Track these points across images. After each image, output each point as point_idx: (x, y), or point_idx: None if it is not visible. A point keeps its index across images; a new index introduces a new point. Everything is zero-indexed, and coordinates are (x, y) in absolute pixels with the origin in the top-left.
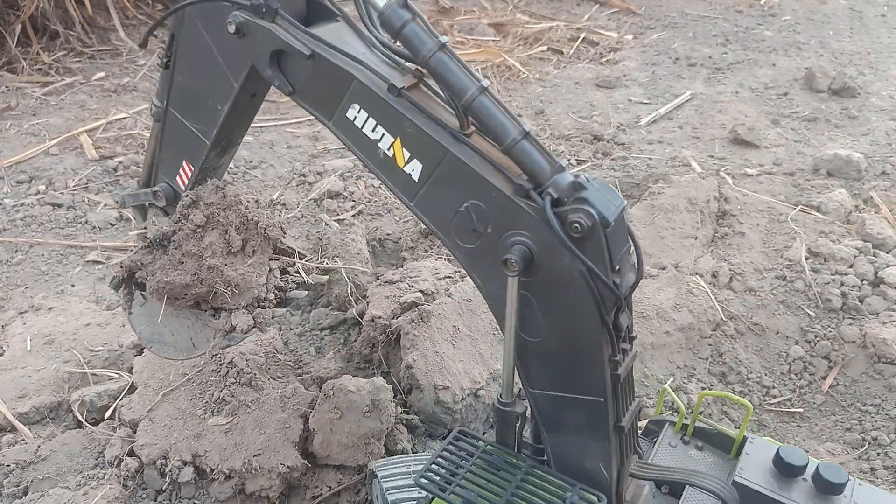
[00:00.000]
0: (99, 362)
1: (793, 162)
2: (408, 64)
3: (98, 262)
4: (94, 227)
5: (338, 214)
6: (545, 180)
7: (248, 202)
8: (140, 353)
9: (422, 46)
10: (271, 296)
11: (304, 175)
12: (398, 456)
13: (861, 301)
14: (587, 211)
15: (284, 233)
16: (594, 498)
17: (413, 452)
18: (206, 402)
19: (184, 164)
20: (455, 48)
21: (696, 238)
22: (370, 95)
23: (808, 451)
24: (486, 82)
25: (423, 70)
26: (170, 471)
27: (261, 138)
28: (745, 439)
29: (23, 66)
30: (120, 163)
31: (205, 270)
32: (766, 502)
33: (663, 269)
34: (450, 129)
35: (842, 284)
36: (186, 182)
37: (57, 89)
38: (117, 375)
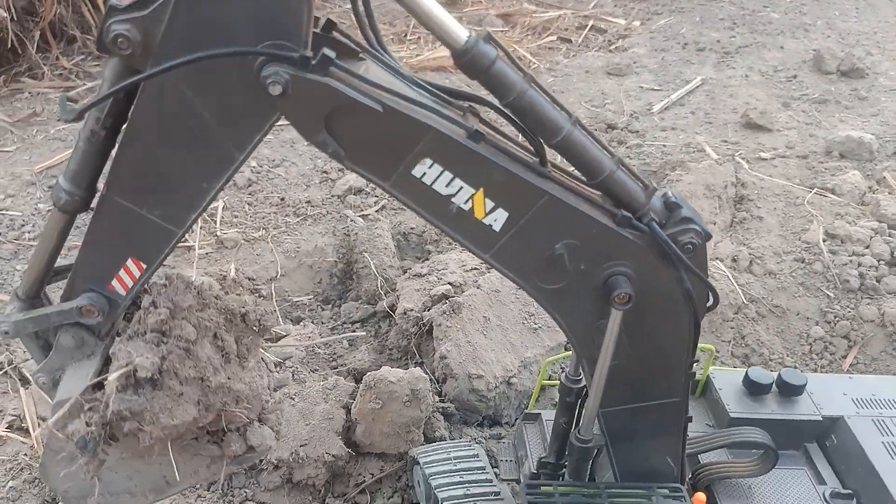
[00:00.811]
0: None
1: (805, 145)
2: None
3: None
4: None
5: (361, 210)
6: (642, 205)
7: (219, 291)
8: None
9: (512, 86)
10: (275, 395)
11: (326, 172)
12: (437, 443)
13: (878, 281)
14: (695, 230)
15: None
16: (675, 491)
17: (451, 439)
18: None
19: (129, 263)
20: None
21: (714, 223)
22: (448, 146)
23: None
24: (574, 114)
25: (480, 106)
26: None
27: (281, 136)
28: (708, 378)
29: (44, 72)
30: None
31: (211, 394)
32: (759, 424)
33: None
34: (538, 169)
35: (859, 265)
36: (129, 286)
37: (80, 94)
38: None
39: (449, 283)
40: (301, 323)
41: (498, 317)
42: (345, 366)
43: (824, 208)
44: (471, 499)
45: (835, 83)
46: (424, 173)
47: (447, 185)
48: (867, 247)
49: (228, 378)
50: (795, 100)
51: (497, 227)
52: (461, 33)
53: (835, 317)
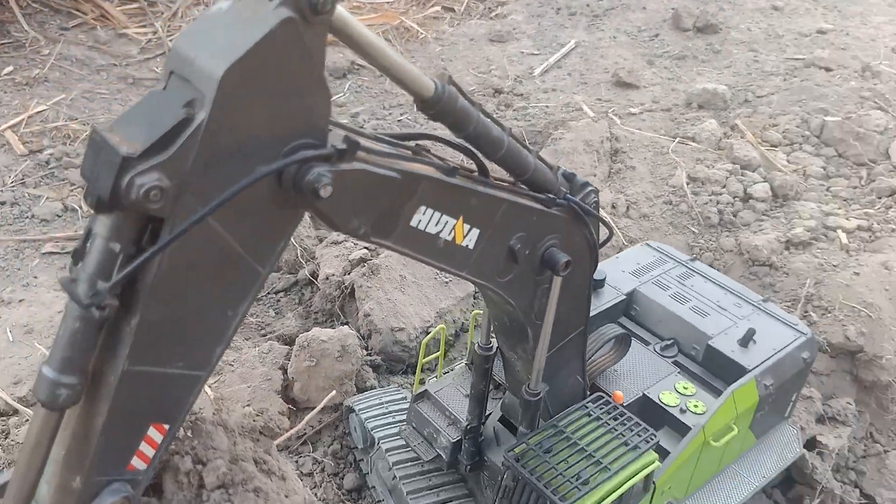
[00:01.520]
0: None
1: (668, 98)
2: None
3: (54, 253)
4: (42, 220)
5: None
6: (556, 185)
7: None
8: None
9: (470, 117)
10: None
11: None
12: (368, 392)
13: (735, 216)
14: (593, 189)
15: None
16: (597, 400)
17: (380, 388)
18: None
19: (149, 432)
20: (353, 14)
21: (595, 175)
22: (437, 188)
23: None
24: (507, 126)
25: (425, 141)
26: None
27: None
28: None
29: None
30: (51, 155)
31: None
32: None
33: None
34: (493, 183)
35: (718, 203)
36: (151, 457)
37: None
38: None
39: (365, 248)
40: None
41: (413, 274)
42: (274, 332)
43: (686, 155)
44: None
45: (692, 39)
46: (420, 220)
47: (436, 224)
48: (724, 186)
49: (286, 496)
50: (658, 57)
51: (472, 245)
52: (429, 83)
53: (700, 249)
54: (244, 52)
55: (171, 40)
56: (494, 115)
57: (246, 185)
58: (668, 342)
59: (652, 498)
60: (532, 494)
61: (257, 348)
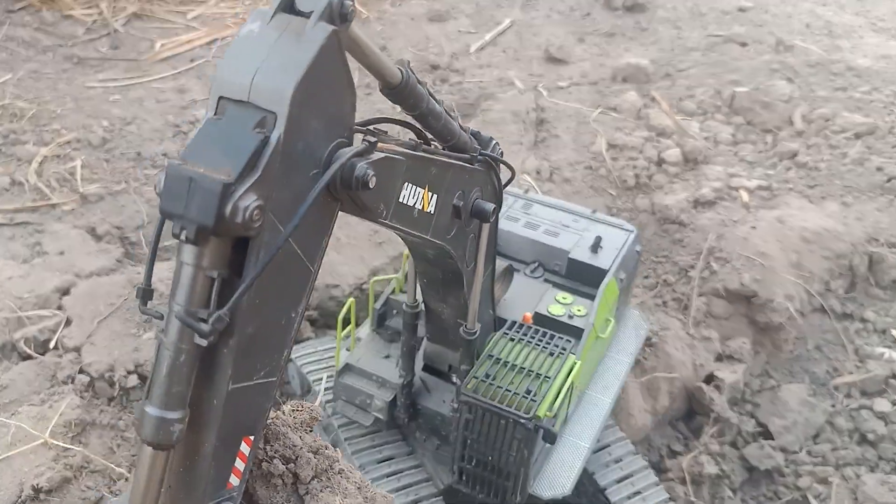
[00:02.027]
0: (29, 307)
1: (596, 73)
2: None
3: (3, 224)
4: None
5: None
6: (471, 144)
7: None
8: (66, 293)
9: (422, 97)
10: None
11: (177, 126)
12: (305, 342)
13: (650, 179)
14: (496, 141)
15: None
16: (513, 325)
17: (316, 339)
18: (138, 322)
19: (241, 447)
20: None
21: (521, 144)
22: (414, 164)
23: None
24: (439, 97)
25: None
26: (117, 380)
27: (129, 96)
28: None
29: None
30: None
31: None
32: None
33: None
34: (440, 151)
35: (634, 168)
36: (242, 471)
37: None
38: (50, 314)
39: None
40: (170, 255)
41: (348, 236)
42: None
43: (607, 124)
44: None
45: (621, 17)
46: (405, 196)
47: (413, 197)
48: (640, 152)
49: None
50: (589, 34)
51: (433, 211)
52: (396, 70)
53: (617, 210)
54: (307, 68)
55: (116, 20)
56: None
57: (319, 191)
58: (534, 265)
59: (571, 395)
60: (493, 419)
61: None
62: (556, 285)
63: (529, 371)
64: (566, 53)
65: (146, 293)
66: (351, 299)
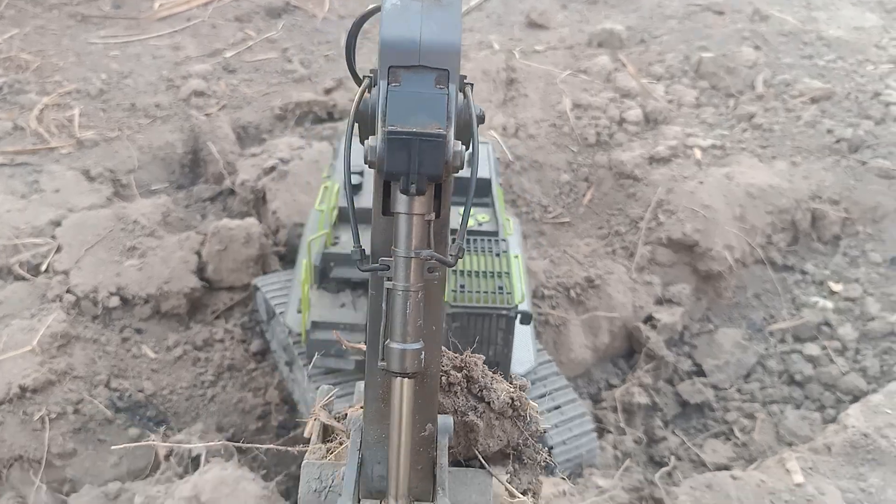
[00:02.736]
0: (25, 235)
1: (574, 38)
2: None
3: (4, 165)
4: None
5: (205, 110)
6: None
7: None
8: (59, 224)
9: None
10: None
11: (171, 80)
12: (271, 273)
13: (610, 137)
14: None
15: None
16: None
17: (283, 271)
18: (121, 251)
19: None
20: None
21: (491, 101)
22: None
23: (571, 247)
24: None
25: None
26: (101, 300)
27: (127, 52)
28: None
29: None
30: (4, 82)
31: None
32: None
33: None
34: None
35: (596, 126)
36: None
37: None
38: (43, 242)
39: (279, 159)
40: (157, 195)
41: (317, 179)
42: (197, 229)
43: (575, 85)
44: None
45: None
46: None
47: None
48: (603, 112)
49: None
50: (572, 1)
51: None
52: None
53: (578, 165)
54: (461, 25)
55: None
56: None
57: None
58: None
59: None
60: (478, 320)
61: (177, 236)
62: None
63: (488, 272)
64: (547, 19)
65: (363, 253)
66: (305, 261)
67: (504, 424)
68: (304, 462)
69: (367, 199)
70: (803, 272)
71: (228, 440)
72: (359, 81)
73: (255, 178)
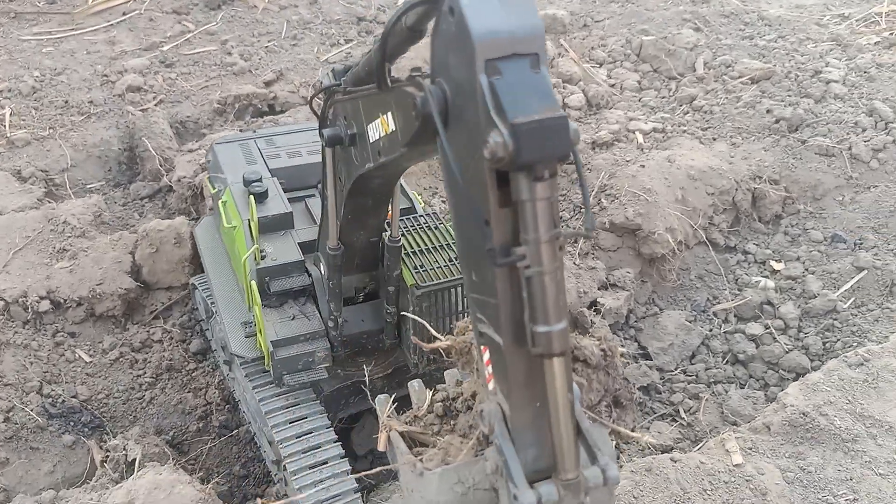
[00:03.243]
0: None
1: None
2: None
3: None
4: None
5: (141, 105)
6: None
7: None
8: None
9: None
10: None
11: (106, 76)
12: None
13: None
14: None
15: None
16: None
17: None
18: (50, 253)
19: None
20: None
21: None
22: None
23: None
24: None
25: None
26: (31, 304)
27: (61, 48)
28: None
29: None
30: None
31: None
32: None
33: None
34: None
35: None
36: None
37: None
38: None
39: None
40: (88, 195)
41: None
42: (134, 227)
43: None
44: None
45: None
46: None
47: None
48: None
49: None
50: None
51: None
52: None
53: None
54: (536, 5)
55: None
56: (355, 42)
57: None
58: (319, 183)
59: None
60: (444, 294)
61: (109, 237)
62: None
63: (439, 246)
64: None
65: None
66: (252, 283)
67: (599, 376)
68: (434, 472)
69: (274, 206)
70: (745, 252)
71: (168, 442)
72: (385, 82)
73: (193, 174)
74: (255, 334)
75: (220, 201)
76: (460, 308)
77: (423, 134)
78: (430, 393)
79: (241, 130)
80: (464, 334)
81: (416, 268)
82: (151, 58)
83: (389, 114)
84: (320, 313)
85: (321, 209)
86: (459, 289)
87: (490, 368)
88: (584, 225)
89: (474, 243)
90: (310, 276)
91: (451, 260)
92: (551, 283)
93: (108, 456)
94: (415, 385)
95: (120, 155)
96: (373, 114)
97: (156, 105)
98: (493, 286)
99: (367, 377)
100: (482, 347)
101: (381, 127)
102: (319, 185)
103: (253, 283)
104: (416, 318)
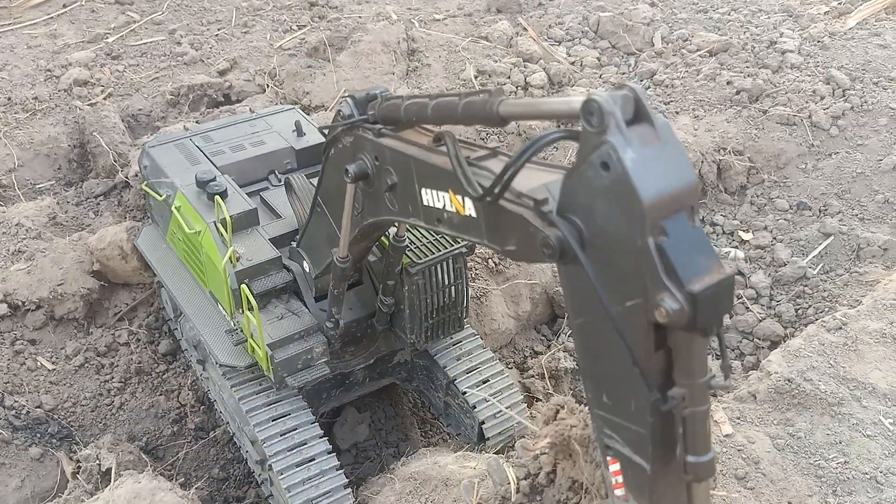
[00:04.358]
0: None
1: (472, 6)
2: None
3: None
4: None
5: (89, 99)
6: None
7: None
8: None
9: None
10: None
11: (49, 70)
12: None
13: None
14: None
15: None
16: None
17: None
18: (4, 255)
19: None
20: None
21: (393, 73)
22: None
23: None
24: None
25: None
26: None
27: (0, 43)
28: None
29: None
30: None
31: None
32: None
33: None
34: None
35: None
36: None
37: None
38: None
39: None
40: (40, 196)
41: None
42: (90, 227)
43: (478, 52)
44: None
45: None
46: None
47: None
48: (508, 77)
49: None
50: None
51: (473, 214)
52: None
53: (487, 133)
54: (688, 157)
55: None
56: (308, 27)
57: None
58: (269, 174)
59: None
60: (439, 267)
61: (68, 237)
62: (309, 177)
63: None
64: None
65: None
66: (243, 286)
67: None
68: None
69: (236, 205)
70: (713, 224)
71: (142, 448)
72: (497, 195)
73: None
74: (244, 341)
75: (173, 207)
76: (447, 282)
77: (543, 259)
78: (512, 471)
79: (196, 122)
80: (555, 421)
81: (409, 248)
82: (96, 50)
83: (470, 202)
84: (307, 308)
85: (309, 212)
86: (450, 261)
87: (620, 479)
88: (722, 374)
89: (613, 374)
90: (289, 271)
91: (433, 235)
92: (703, 419)
93: (79, 467)
94: (493, 464)
95: (70, 152)
96: (437, 184)
97: (105, 99)
98: (638, 418)
99: (352, 368)
100: (609, 459)
101: (448, 202)
102: (277, 176)
103: (244, 286)
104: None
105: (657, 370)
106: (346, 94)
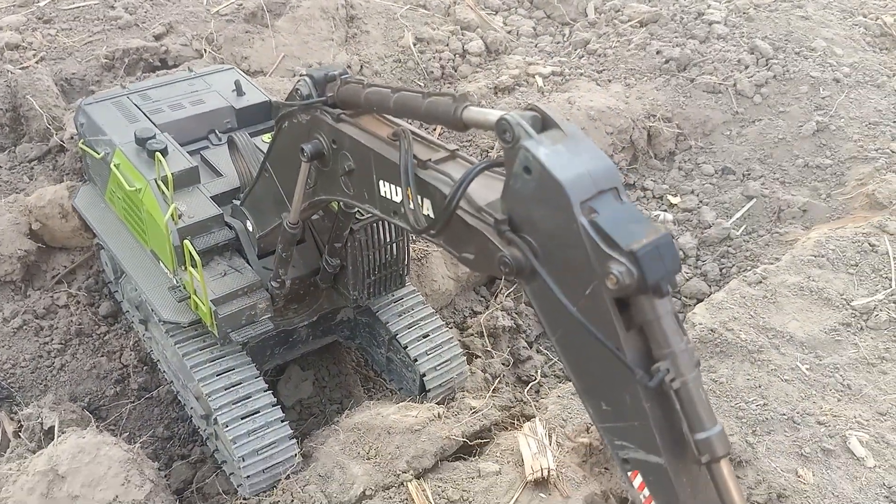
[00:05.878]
0: None
1: None
2: None
3: None
4: None
5: (21, 63)
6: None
7: None
8: None
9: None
10: None
11: None
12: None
13: (455, 69)
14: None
15: None
16: None
17: None
18: None
19: None
20: None
21: (332, 40)
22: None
23: None
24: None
25: None
26: None
27: None
28: None
29: None
30: None
31: None
32: None
33: (310, 66)
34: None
35: (440, 59)
36: None
37: None
38: None
39: None
40: None
41: None
42: (24, 191)
43: (416, 20)
44: None
45: None
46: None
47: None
48: (446, 45)
49: None
50: None
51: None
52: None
53: None
54: (602, 151)
55: None
56: None
57: None
58: (209, 133)
59: None
60: (377, 225)
61: (3, 199)
62: (252, 136)
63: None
64: None
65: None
66: (186, 243)
67: None
68: None
69: (177, 162)
70: (644, 188)
71: (85, 408)
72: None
73: None
74: (187, 297)
75: (112, 165)
76: (389, 238)
77: (499, 275)
78: None
79: (122, 87)
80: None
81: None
82: (27, 14)
83: (428, 202)
84: (250, 265)
85: (256, 175)
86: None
87: (646, 492)
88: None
89: (600, 375)
90: (231, 229)
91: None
92: (696, 388)
93: (21, 426)
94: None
95: (2, 116)
96: (396, 180)
97: (37, 63)
98: (636, 409)
99: (295, 326)
100: (630, 474)
101: (405, 197)
102: (217, 135)
103: (187, 242)
104: None
105: (637, 351)
106: (304, 73)
